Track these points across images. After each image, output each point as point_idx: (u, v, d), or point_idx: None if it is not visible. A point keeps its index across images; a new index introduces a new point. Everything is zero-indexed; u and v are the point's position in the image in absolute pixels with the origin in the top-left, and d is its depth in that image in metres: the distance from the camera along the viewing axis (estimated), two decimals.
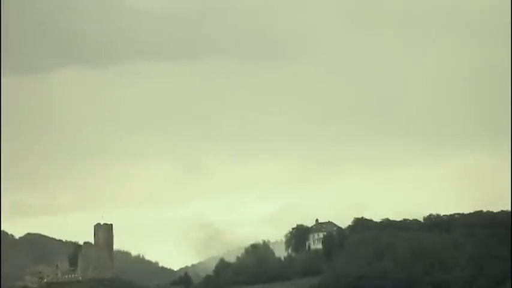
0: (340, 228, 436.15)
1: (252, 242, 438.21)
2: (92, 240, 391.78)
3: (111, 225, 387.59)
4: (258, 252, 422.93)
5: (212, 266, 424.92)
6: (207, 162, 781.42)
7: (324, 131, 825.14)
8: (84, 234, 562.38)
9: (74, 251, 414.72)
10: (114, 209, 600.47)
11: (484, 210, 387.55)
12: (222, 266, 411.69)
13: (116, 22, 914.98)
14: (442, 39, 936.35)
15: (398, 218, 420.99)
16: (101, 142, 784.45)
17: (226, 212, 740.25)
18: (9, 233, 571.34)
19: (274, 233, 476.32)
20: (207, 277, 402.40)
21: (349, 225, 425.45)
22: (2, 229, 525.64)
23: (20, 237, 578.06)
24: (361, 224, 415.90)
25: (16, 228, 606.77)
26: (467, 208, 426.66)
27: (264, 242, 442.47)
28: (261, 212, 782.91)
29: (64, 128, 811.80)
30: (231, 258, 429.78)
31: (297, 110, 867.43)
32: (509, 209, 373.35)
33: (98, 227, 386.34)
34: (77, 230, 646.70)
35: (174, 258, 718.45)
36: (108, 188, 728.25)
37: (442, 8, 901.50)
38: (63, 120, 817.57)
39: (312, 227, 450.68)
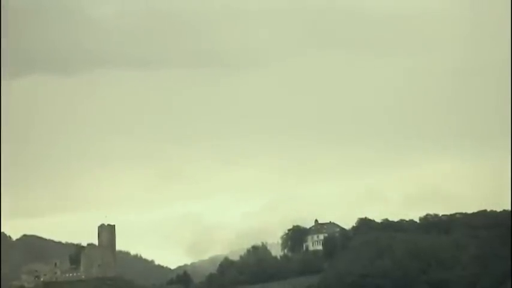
0: (343, 229, 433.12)
1: (241, 242, 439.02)
2: (90, 240, 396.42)
3: (114, 226, 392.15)
4: (258, 252, 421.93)
5: (205, 265, 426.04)
6: (188, 167, 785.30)
7: (301, 138, 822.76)
8: (80, 235, 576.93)
9: (75, 251, 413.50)
10: (104, 211, 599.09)
11: (488, 209, 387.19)
12: (226, 264, 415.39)
13: (76, 31, 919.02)
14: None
15: (396, 219, 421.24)
16: (79, 147, 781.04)
17: (213, 214, 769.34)
18: (7, 234, 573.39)
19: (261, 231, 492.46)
20: (210, 275, 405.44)
21: (353, 226, 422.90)
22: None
23: (17, 239, 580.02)
24: (364, 224, 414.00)
25: (12, 230, 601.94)
26: (468, 208, 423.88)
27: (263, 243, 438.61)
28: (247, 212, 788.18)
29: (36, 135, 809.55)
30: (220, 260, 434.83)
31: (265, 118, 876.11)
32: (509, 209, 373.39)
33: (101, 227, 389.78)
34: (74, 231, 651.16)
35: (168, 257, 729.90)
36: (94, 191, 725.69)
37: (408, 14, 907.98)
38: (33, 127, 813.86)
39: (310, 228, 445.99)
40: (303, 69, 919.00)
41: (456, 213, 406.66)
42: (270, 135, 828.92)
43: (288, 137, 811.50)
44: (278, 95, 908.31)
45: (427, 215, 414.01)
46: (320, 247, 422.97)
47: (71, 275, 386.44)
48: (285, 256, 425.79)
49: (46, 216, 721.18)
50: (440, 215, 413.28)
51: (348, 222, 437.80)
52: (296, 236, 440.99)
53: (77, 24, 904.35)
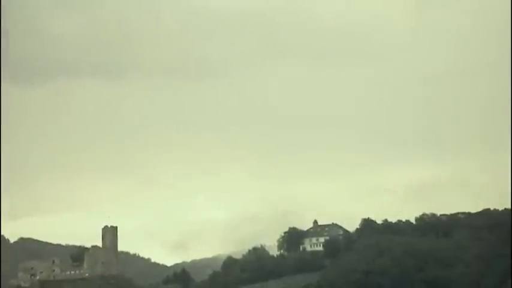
0: (347, 231, 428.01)
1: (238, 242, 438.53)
2: (85, 241, 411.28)
3: (117, 227, 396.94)
4: (258, 252, 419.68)
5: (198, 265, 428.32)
6: (166, 172, 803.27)
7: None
8: (76, 237, 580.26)
9: (77, 251, 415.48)
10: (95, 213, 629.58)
11: (491, 208, 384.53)
12: (230, 262, 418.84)
13: (38, 42, 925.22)
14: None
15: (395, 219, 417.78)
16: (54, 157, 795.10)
17: (198, 214, 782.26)
18: (5, 237, 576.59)
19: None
20: (214, 273, 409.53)
21: (357, 228, 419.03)
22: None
23: (15, 242, 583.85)
24: (368, 226, 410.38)
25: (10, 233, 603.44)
26: (469, 207, 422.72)
27: (262, 245, 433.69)
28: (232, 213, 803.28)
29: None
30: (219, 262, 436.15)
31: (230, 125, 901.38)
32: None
33: (105, 229, 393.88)
34: (67, 233, 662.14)
35: (162, 255, 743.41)
36: (80, 197, 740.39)
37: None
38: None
39: (308, 230, 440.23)
40: (264, 79, 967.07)
41: (458, 213, 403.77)
42: (241, 141, 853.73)
43: (258, 143, 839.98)
44: (244, 103, 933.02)
45: (423, 214, 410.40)
46: (319, 248, 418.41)
47: (72, 272, 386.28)
48: (281, 255, 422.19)
49: (43, 219, 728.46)
50: (439, 214, 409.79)
51: (349, 223, 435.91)
52: (292, 239, 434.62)
53: (40, 34, 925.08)
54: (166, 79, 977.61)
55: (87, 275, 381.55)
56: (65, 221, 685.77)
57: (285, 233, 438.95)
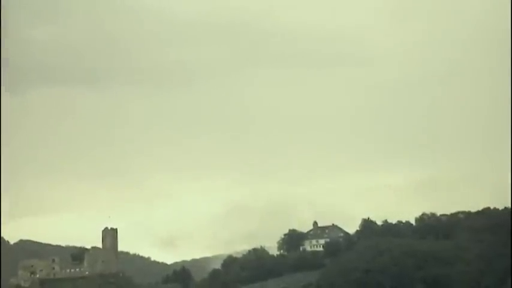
0: (347, 233, 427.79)
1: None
2: (84, 243, 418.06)
3: (116, 229, 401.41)
4: (258, 253, 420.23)
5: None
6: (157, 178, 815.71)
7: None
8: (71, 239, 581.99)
9: (78, 251, 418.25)
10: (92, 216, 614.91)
11: (492, 207, 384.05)
12: (230, 261, 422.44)
13: (13, 50, 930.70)
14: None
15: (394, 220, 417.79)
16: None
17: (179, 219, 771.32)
18: (5, 239, 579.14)
19: None
20: (214, 271, 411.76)
21: (357, 230, 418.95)
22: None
23: (15, 243, 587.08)
24: (368, 227, 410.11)
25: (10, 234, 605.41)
26: (469, 207, 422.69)
27: (261, 247, 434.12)
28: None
29: None
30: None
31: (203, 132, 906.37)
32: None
33: (105, 231, 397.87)
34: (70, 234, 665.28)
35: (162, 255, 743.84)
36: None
37: None
38: None
39: (308, 232, 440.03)
40: (245, 84, 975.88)
41: (458, 212, 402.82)
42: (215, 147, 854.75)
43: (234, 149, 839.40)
44: (221, 109, 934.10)
45: (423, 214, 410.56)
46: (319, 249, 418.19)
47: (72, 271, 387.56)
48: (281, 255, 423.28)
49: (43, 220, 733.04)
50: (439, 214, 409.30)
51: (349, 224, 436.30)
52: (293, 241, 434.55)
53: (14, 43, 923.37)
54: (146, 86, 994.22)
55: (87, 273, 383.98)
56: (64, 223, 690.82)
57: (285, 234, 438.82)
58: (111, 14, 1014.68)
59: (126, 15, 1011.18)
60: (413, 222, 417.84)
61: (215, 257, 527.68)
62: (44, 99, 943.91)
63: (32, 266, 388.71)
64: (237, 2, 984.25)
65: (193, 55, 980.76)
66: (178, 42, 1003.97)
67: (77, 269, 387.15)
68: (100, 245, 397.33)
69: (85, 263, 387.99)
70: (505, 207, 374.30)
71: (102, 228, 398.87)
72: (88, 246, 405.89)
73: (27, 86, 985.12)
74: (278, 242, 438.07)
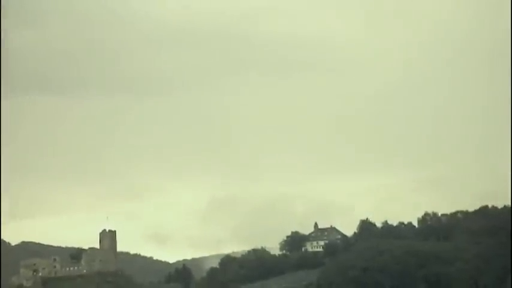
0: (345, 236, 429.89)
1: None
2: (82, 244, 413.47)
3: (115, 231, 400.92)
4: (258, 253, 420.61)
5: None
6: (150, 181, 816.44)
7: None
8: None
9: (76, 251, 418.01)
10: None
11: (490, 205, 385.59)
12: (228, 260, 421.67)
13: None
14: None
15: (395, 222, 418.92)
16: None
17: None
18: (6, 241, 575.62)
19: None
20: (212, 270, 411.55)
21: (355, 232, 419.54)
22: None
23: (16, 245, 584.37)
24: (366, 229, 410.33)
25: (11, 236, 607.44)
26: (467, 206, 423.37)
27: (262, 247, 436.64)
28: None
29: None
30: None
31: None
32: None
33: (103, 233, 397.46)
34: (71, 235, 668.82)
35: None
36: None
37: None
38: None
39: (310, 234, 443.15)
40: (228, 89, 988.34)
41: (457, 212, 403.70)
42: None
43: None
44: (204, 117, 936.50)
45: (425, 214, 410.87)
46: (320, 249, 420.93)
47: (72, 268, 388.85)
48: (283, 254, 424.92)
49: (44, 221, 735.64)
50: (440, 214, 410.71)
51: (349, 224, 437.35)
52: (295, 242, 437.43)
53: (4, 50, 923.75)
54: (136, 91, 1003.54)
55: (84, 271, 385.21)
56: (65, 225, 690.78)
57: (287, 236, 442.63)
58: (99, 23, 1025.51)
59: (114, 24, 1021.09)
60: (414, 222, 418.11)
61: (216, 256, 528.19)
62: (37, 105, 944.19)
63: (35, 264, 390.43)
64: (217, 9, 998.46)
65: (182, 61, 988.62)
66: (164, 49, 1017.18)
67: (76, 267, 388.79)
68: (98, 246, 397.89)
69: (82, 262, 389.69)
70: (505, 206, 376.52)
71: (100, 231, 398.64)
72: (86, 247, 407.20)
73: (20, 91, 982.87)
74: (280, 243, 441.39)
